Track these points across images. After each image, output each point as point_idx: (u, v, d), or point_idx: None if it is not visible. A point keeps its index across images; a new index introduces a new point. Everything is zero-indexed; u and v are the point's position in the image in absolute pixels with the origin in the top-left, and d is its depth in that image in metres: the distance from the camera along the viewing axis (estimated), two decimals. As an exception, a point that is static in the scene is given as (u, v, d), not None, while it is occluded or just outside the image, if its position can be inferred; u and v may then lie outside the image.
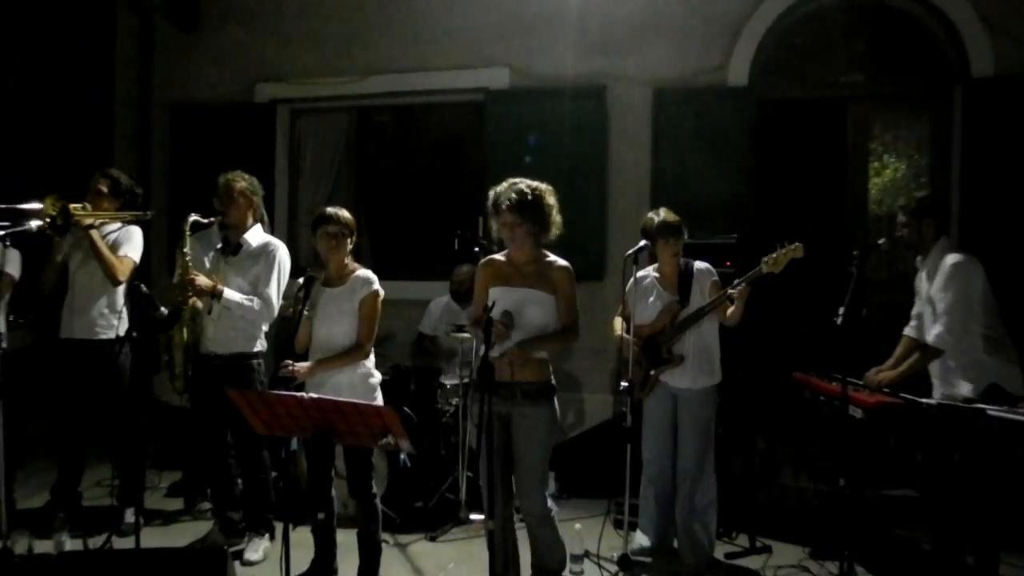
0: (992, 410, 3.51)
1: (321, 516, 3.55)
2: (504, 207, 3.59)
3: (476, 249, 4.94)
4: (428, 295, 6.30)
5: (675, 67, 6.36)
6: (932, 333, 4.06)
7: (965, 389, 4.00)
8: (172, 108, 7.40)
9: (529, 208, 3.59)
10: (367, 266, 4.14)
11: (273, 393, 3.29)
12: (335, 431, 3.22)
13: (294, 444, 3.59)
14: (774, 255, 4.18)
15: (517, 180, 3.66)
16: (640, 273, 4.56)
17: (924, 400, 3.94)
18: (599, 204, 6.42)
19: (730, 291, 4.24)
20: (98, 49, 7.48)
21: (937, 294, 4.08)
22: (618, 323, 4.66)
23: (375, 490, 4.11)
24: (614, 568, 4.23)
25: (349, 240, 4.05)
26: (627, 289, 4.40)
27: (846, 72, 6.37)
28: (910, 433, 4.09)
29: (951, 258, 4.10)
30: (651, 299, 4.54)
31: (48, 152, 6.56)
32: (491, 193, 3.68)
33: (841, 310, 3.84)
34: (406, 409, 5.32)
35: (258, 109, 7.23)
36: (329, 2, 7.09)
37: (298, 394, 3.18)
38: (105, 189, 4.84)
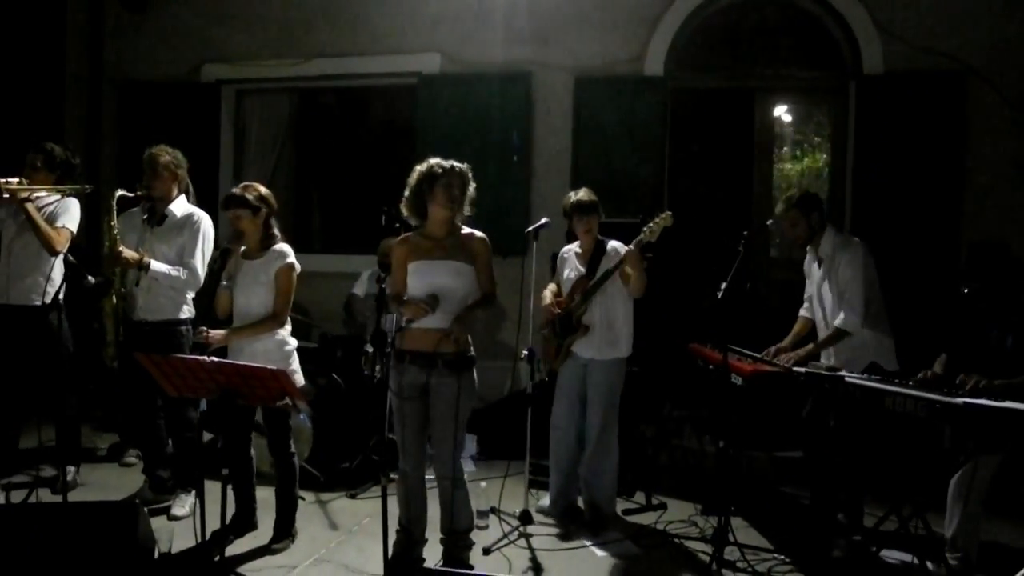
0: (850, 377, 3.58)
1: (225, 472, 3.50)
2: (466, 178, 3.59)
3: (397, 226, 4.88)
4: (367, 268, 6.23)
5: (596, 56, 6.34)
6: (840, 317, 4.06)
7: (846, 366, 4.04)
8: (121, 87, 7.21)
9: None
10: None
11: (178, 357, 3.23)
12: (238, 392, 3.18)
13: (203, 405, 3.54)
14: (650, 224, 4.13)
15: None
16: (565, 248, 4.61)
17: (796, 368, 4.00)
18: (523, 184, 6.40)
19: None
20: (49, 29, 7.24)
21: (843, 279, 4.08)
22: (547, 293, 4.67)
23: (293, 448, 4.06)
24: (515, 523, 4.24)
25: (259, 215, 3.94)
26: (558, 262, 4.45)
27: (754, 65, 6.36)
28: (783, 398, 4.15)
29: (853, 244, 4.12)
30: (570, 273, 4.54)
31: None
32: (448, 165, 3.54)
33: (723, 285, 3.86)
34: (334, 375, 5.27)
35: (204, 89, 7.08)
36: (273, -13, 6.95)
37: (200, 357, 3.13)
38: (39, 164, 4.70)
